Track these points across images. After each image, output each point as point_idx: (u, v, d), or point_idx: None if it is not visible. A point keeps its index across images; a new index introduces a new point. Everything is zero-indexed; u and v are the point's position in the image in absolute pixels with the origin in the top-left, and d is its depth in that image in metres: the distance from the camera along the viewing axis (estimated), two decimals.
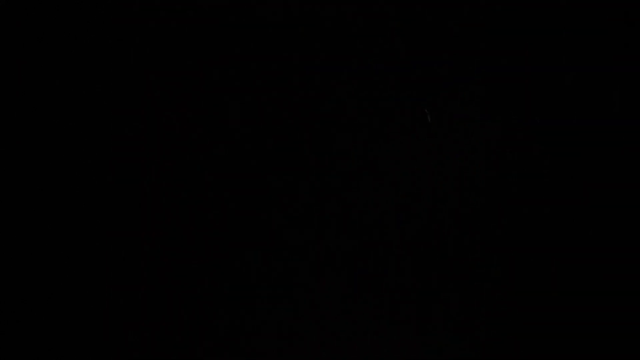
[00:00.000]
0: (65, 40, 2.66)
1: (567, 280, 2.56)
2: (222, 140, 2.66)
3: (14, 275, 2.52)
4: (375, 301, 2.55)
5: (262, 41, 2.68)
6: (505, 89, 2.68)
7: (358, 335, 2.50)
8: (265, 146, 2.66)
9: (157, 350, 2.46)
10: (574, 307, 2.53)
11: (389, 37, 2.69)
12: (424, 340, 2.50)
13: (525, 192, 2.62)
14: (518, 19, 2.69)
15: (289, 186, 2.64)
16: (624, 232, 2.57)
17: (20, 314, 2.49)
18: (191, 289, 2.54)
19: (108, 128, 2.64)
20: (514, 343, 2.51)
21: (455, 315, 2.53)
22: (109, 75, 2.67)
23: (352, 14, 2.69)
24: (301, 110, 2.68)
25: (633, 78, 2.65)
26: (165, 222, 2.59)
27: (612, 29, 2.66)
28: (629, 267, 2.55)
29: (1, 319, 2.48)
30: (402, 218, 2.61)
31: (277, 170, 2.65)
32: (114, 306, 2.51)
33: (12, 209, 2.57)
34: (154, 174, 2.62)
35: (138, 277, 2.54)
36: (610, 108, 2.66)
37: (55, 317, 2.49)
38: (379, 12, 2.69)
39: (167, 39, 2.67)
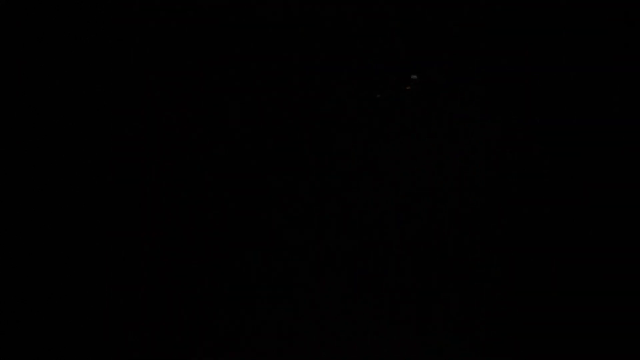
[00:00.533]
0: (65, 40, 2.66)
1: (567, 280, 2.56)
2: (222, 140, 2.66)
3: (14, 275, 2.52)
4: (375, 301, 2.55)
5: (262, 41, 2.69)
6: (505, 89, 2.68)
7: (358, 335, 2.50)
8: (265, 146, 2.66)
9: (157, 350, 2.46)
10: (574, 307, 2.53)
11: (389, 37, 2.69)
12: (424, 340, 2.50)
13: (525, 192, 2.62)
14: (518, 19, 2.69)
15: (289, 186, 2.64)
16: (624, 232, 2.57)
17: (20, 314, 2.49)
18: (191, 289, 2.54)
19: (108, 128, 2.64)
20: (514, 343, 2.51)
21: (455, 315, 2.53)
22: (109, 75, 2.67)
23: (352, 14, 2.69)
24: (301, 110, 2.68)
25: (633, 78, 2.65)
26: (165, 222, 2.59)
27: (612, 29, 2.66)
28: (629, 267, 2.55)
29: (1, 319, 2.48)
30: (402, 218, 2.61)
31: (277, 170, 2.65)
32: (114, 306, 2.51)
33: (12, 209, 2.57)
34: (154, 174, 2.62)
35: (138, 277, 2.54)
36: (610, 108, 2.66)
37: (55, 317, 2.50)
38: (379, 12, 2.69)
39: (167, 39, 2.68)
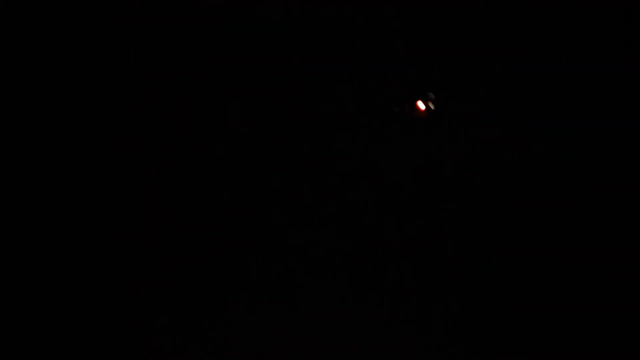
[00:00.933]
0: (65, 40, 2.66)
1: (567, 280, 2.56)
2: (222, 140, 2.66)
3: (14, 275, 2.52)
4: (375, 301, 2.55)
5: (262, 41, 2.68)
6: (505, 89, 2.68)
7: (358, 335, 2.50)
8: (265, 146, 2.66)
9: (157, 350, 2.46)
10: (574, 307, 2.53)
11: (389, 37, 2.69)
12: (424, 340, 2.50)
13: (525, 192, 2.62)
14: (518, 19, 2.69)
15: (289, 186, 2.64)
16: (624, 232, 2.57)
17: (21, 314, 2.49)
18: (191, 289, 2.54)
19: (108, 128, 2.64)
20: (514, 343, 2.51)
21: (455, 315, 2.53)
22: (109, 75, 2.67)
23: (352, 14, 2.69)
24: (301, 110, 2.68)
25: (633, 78, 2.65)
26: (165, 222, 2.59)
27: (612, 29, 2.66)
28: (629, 267, 2.55)
29: (1, 319, 2.48)
30: (402, 218, 2.61)
31: (277, 170, 2.65)
32: (114, 306, 2.51)
33: (12, 209, 2.57)
34: (154, 174, 2.62)
35: (138, 277, 2.54)
36: (610, 108, 2.66)
37: (55, 317, 2.49)
38: (379, 12, 2.69)
39: (167, 39, 2.67)
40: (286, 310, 2.53)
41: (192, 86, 2.67)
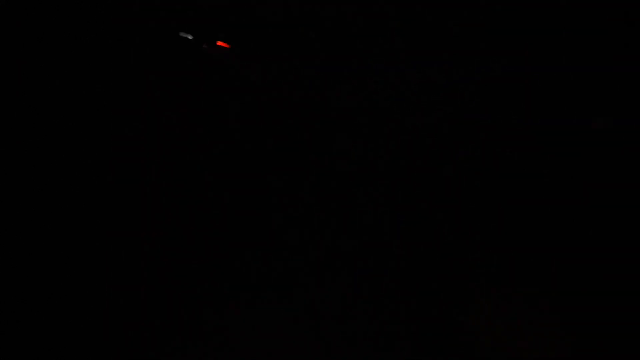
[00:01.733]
0: (65, 40, 2.66)
1: (567, 280, 2.56)
2: (222, 140, 2.66)
3: (14, 275, 2.52)
4: (375, 301, 2.55)
5: (262, 41, 2.69)
6: (505, 89, 2.68)
7: (358, 335, 2.50)
8: (265, 146, 2.66)
9: (157, 350, 2.47)
10: (574, 307, 2.53)
11: (389, 37, 2.70)
12: (423, 340, 2.51)
13: (525, 192, 2.63)
14: (518, 19, 2.69)
15: (289, 186, 2.64)
16: (624, 232, 2.58)
17: (21, 314, 2.49)
18: (191, 289, 2.54)
19: (108, 128, 2.64)
20: (514, 343, 2.52)
21: (456, 315, 2.53)
22: (109, 75, 2.67)
23: (352, 14, 2.69)
24: (301, 110, 2.68)
25: (633, 78, 2.66)
26: (165, 222, 2.59)
27: (612, 29, 2.67)
28: (629, 267, 2.55)
29: (1, 319, 2.48)
30: (402, 218, 2.62)
31: (277, 170, 2.65)
32: (114, 306, 2.51)
33: (12, 209, 2.57)
34: (154, 174, 2.62)
35: (138, 277, 2.54)
36: (610, 108, 2.66)
37: (55, 317, 2.50)
38: (379, 12, 2.69)
39: (167, 39, 2.68)
40: (286, 310, 2.53)
41: (192, 86, 2.67)
